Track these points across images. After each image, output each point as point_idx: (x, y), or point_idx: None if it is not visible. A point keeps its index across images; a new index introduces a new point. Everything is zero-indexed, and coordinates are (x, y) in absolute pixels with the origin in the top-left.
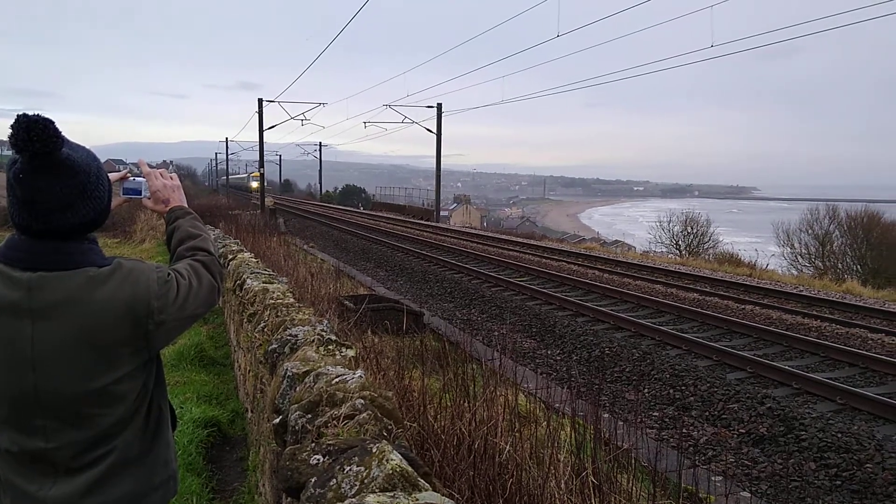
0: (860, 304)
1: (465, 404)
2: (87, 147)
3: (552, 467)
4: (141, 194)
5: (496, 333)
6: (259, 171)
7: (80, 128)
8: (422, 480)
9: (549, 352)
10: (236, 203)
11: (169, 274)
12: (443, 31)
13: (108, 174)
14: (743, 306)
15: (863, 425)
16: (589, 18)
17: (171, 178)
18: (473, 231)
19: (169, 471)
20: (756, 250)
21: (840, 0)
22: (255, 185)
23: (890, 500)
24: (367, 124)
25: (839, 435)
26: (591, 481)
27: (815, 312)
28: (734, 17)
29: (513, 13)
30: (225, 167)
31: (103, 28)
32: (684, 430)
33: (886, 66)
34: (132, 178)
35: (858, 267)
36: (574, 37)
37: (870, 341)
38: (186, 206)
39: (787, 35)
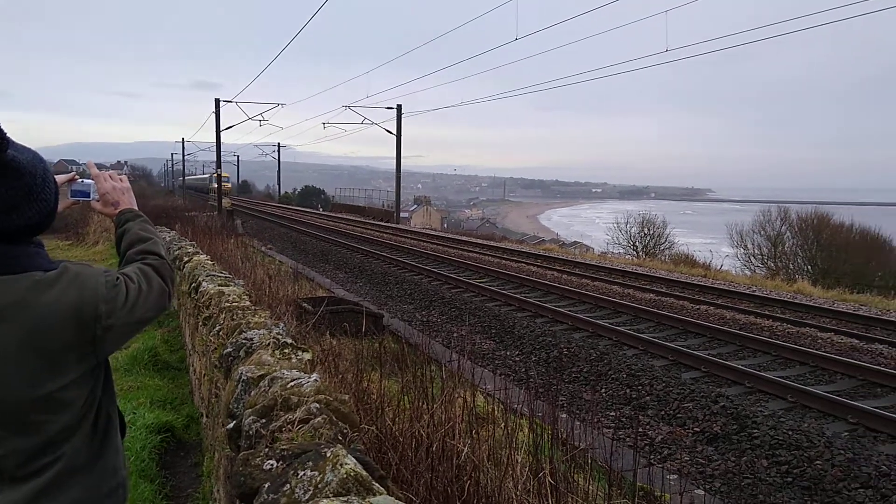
0: (810, 303)
1: (424, 406)
2: (35, 149)
3: (510, 468)
4: (90, 197)
5: (456, 335)
6: (217, 171)
7: (32, 127)
8: (377, 484)
9: (508, 353)
10: (193, 204)
11: (118, 278)
12: (403, 33)
13: (56, 176)
14: (698, 306)
15: (813, 423)
16: (547, 22)
17: (121, 181)
18: (433, 232)
19: (118, 478)
20: (710, 251)
21: (792, 7)
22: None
23: (839, 496)
24: (326, 125)
25: (790, 432)
26: (549, 481)
27: (767, 312)
28: (689, 21)
29: (472, 16)
30: (181, 168)
31: (54, 25)
32: (640, 430)
33: (840, 74)
34: (81, 181)
35: (809, 267)
36: (532, 40)
37: (819, 340)
38: (137, 208)
39: (740, 40)
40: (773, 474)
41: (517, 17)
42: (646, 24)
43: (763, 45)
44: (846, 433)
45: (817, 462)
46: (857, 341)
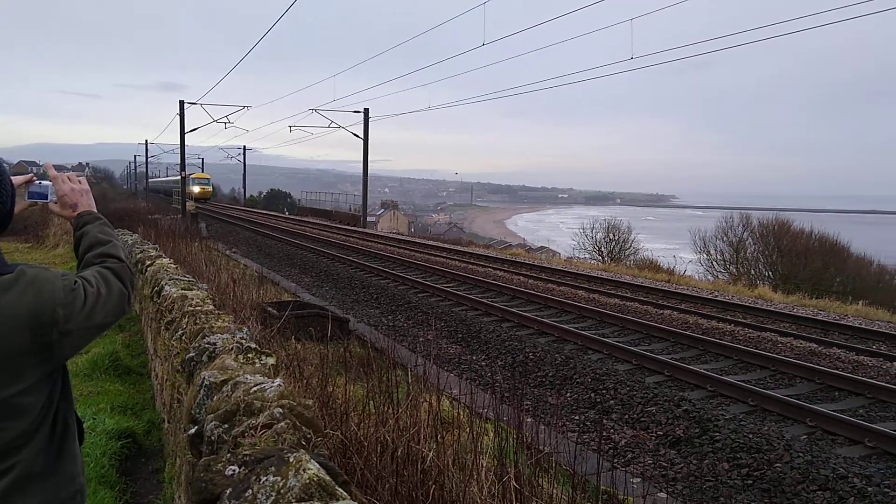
0: (771, 308)
1: (390, 411)
2: None
3: (474, 472)
4: (47, 199)
5: (422, 339)
6: (181, 174)
7: None
8: (340, 489)
9: (474, 357)
10: (156, 207)
11: (76, 281)
12: (370, 37)
13: (13, 178)
14: (662, 311)
15: (773, 426)
16: (514, 28)
17: (80, 182)
18: (401, 237)
19: (76, 485)
20: (674, 257)
21: (752, 18)
22: (197, 189)
23: (798, 499)
24: (292, 128)
25: (751, 435)
26: (513, 485)
27: (729, 317)
28: (654, 30)
29: (440, 21)
30: (145, 170)
31: (14, 25)
32: (605, 433)
33: (801, 83)
34: (38, 182)
35: (770, 273)
36: (499, 46)
37: (780, 345)
38: (96, 210)
39: (704, 49)
40: (734, 477)
41: (484, 22)
42: (612, 31)
43: (727, 53)
44: (805, 436)
45: (777, 465)
46: (815, 346)
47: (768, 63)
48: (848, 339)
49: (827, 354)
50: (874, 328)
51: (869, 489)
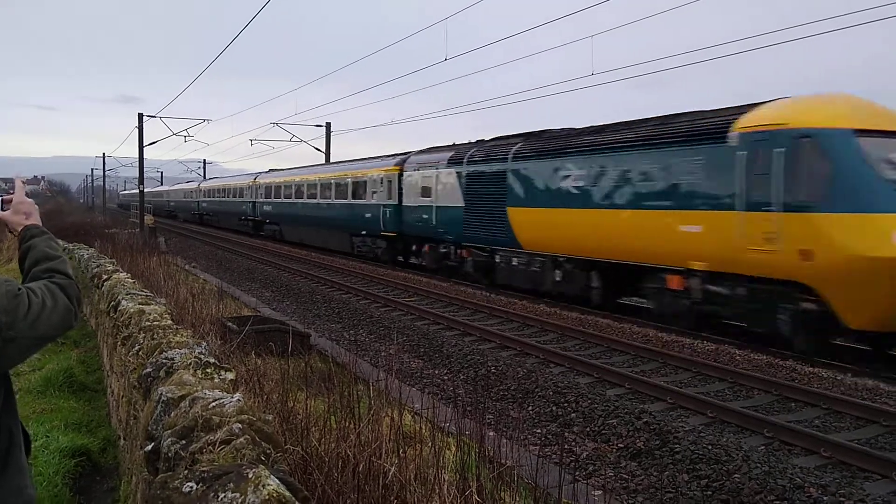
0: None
1: (351, 426)
2: None
3: (436, 487)
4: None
5: (384, 354)
6: (139, 188)
7: None
8: None
9: (436, 371)
10: (114, 221)
11: (20, 289)
12: (332, 51)
13: None
14: (622, 325)
15: (731, 437)
16: (476, 43)
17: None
18: None
19: (24, 497)
20: None
21: (706, 36)
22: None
23: None
24: (253, 142)
25: (710, 447)
26: (475, 500)
27: (687, 330)
28: (614, 47)
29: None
30: (102, 184)
31: None
32: (566, 446)
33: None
34: None
35: None
36: (461, 61)
37: (738, 357)
38: (42, 226)
39: (663, 66)
40: (693, 488)
41: (447, 37)
42: (572, 48)
43: (686, 69)
44: (762, 447)
45: (735, 475)
46: (772, 358)
47: (720, 81)
48: (804, 351)
49: (783, 366)
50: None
51: (825, 499)
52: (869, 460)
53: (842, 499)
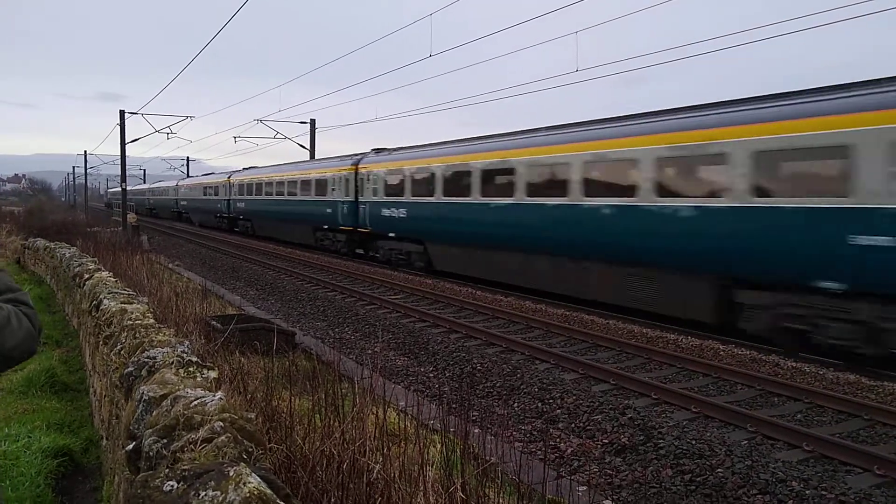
0: None
1: (336, 424)
2: None
3: (421, 484)
4: None
5: (369, 352)
6: (122, 185)
7: None
8: (281, 503)
9: (422, 368)
10: (96, 220)
11: None
12: (316, 47)
13: None
14: (607, 321)
15: (715, 432)
16: (461, 40)
17: None
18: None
19: None
20: None
21: (689, 33)
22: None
23: (739, 503)
24: (237, 139)
25: (693, 442)
26: (460, 496)
27: (672, 326)
28: (598, 43)
29: (387, 31)
30: (84, 181)
31: None
32: (551, 442)
33: (740, 92)
34: None
35: None
36: (446, 57)
37: (721, 352)
38: None
39: (647, 62)
40: (677, 483)
41: (431, 34)
42: (556, 44)
43: (668, 66)
44: (746, 441)
45: (719, 470)
46: (756, 353)
47: (710, 74)
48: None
49: (767, 361)
50: None
51: (807, 492)
52: (851, 454)
53: (823, 492)
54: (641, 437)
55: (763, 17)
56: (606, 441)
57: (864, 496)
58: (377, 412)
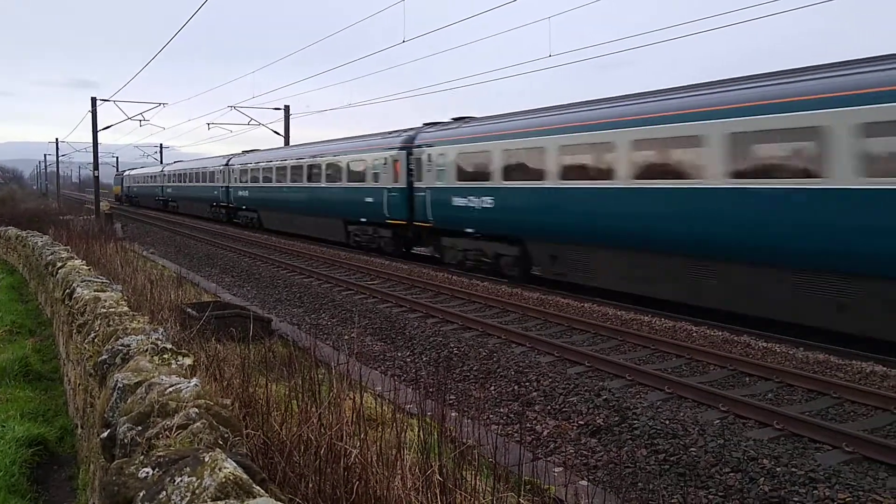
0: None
1: (313, 409)
2: None
3: (399, 467)
4: None
5: (346, 337)
6: (94, 173)
7: None
8: (257, 487)
9: (399, 353)
10: (69, 208)
11: None
12: (290, 33)
13: None
14: (582, 304)
15: (688, 412)
16: (434, 25)
17: None
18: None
19: None
20: None
21: (665, 18)
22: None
23: (711, 481)
24: (211, 125)
25: (667, 422)
26: (437, 479)
27: (646, 308)
28: (572, 28)
29: (360, 17)
30: (55, 169)
31: None
32: (528, 425)
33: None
34: None
35: None
36: (420, 42)
37: (694, 334)
38: None
39: (620, 47)
40: (651, 462)
41: (404, 19)
42: (529, 29)
43: (643, 51)
44: (718, 421)
45: (692, 449)
46: (728, 334)
47: (685, 59)
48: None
49: (738, 342)
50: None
51: (778, 469)
52: (820, 432)
53: (794, 469)
54: (616, 418)
55: None
56: (582, 422)
57: (833, 472)
58: (354, 397)
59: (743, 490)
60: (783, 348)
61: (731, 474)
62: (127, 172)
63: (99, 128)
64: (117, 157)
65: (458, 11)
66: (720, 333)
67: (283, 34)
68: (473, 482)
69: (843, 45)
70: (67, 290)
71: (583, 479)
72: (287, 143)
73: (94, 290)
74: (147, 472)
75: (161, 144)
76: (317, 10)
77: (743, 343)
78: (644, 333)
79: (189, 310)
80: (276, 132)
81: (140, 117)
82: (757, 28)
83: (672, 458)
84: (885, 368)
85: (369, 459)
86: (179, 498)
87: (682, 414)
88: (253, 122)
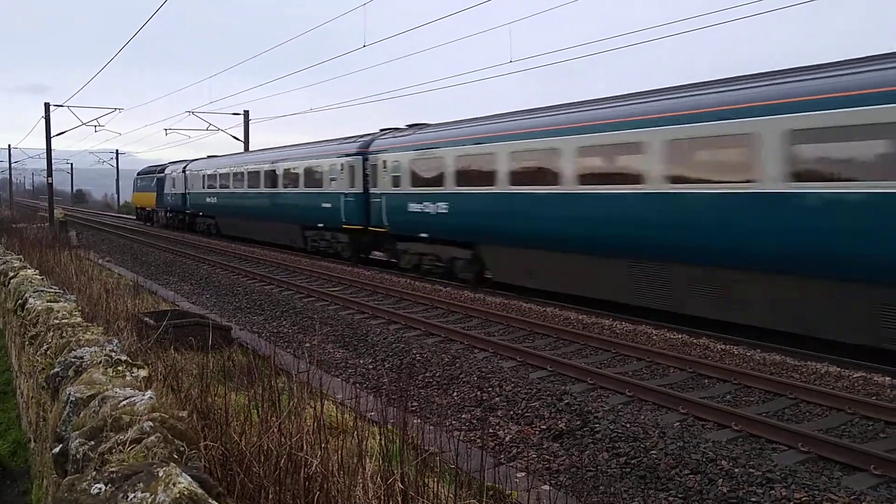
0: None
1: (273, 418)
2: None
3: (360, 476)
4: None
5: (307, 345)
6: (48, 180)
7: None
8: (213, 502)
9: (361, 361)
10: (22, 216)
11: None
12: (248, 38)
13: None
14: (544, 308)
15: (649, 415)
16: (395, 30)
17: None
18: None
19: None
20: None
21: (623, 25)
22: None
23: (672, 483)
24: (168, 131)
25: (628, 425)
26: (399, 487)
27: (607, 312)
28: (532, 35)
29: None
30: (8, 176)
31: None
32: (490, 430)
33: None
34: None
35: None
36: (380, 47)
37: (654, 337)
38: None
39: (579, 53)
40: (613, 466)
41: (365, 24)
42: (490, 35)
43: (600, 57)
44: (678, 423)
45: (652, 452)
46: (687, 336)
47: (645, 64)
48: (714, 329)
49: (697, 344)
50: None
51: (736, 470)
52: (777, 432)
53: (752, 470)
54: (578, 423)
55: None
56: (544, 427)
57: (789, 472)
58: (315, 406)
59: (702, 491)
60: (741, 350)
61: (691, 476)
62: (173, 170)
63: (53, 133)
64: (72, 164)
65: (420, 16)
66: (679, 336)
67: (242, 39)
68: (436, 489)
69: (787, 53)
70: (20, 301)
71: (545, 483)
72: (247, 148)
73: (47, 301)
74: (100, 489)
75: (117, 150)
76: (275, 13)
77: (702, 345)
78: (605, 337)
79: (146, 319)
80: (235, 137)
81: (95, 123)
82: (713, 34)
83: (633, 461)
84: (839, 369)
85: (330, 469)
86: None
87: (642, 417)
88: (212, 127)
